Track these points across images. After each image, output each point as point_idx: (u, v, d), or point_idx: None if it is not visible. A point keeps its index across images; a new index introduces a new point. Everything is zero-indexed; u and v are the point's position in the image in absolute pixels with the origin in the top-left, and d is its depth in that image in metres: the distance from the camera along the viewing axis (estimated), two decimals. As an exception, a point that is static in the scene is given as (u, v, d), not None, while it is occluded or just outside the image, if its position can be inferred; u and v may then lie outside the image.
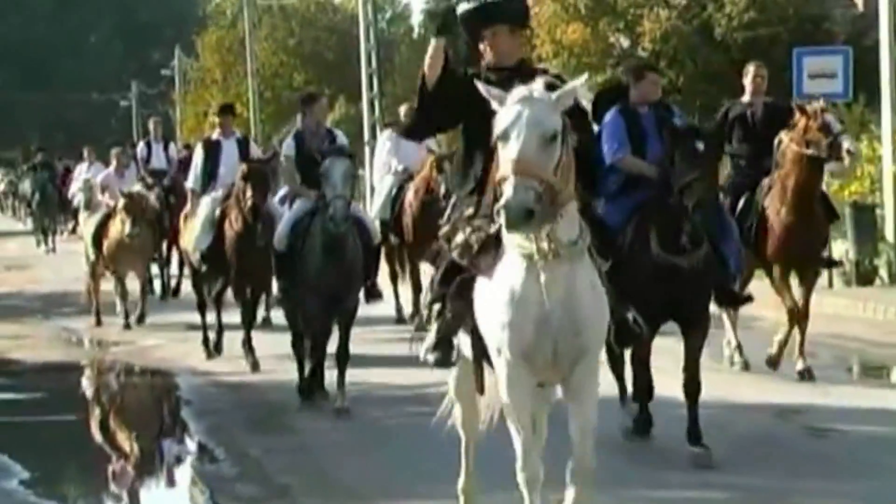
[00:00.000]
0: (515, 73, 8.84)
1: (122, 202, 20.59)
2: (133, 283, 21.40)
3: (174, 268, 24.51)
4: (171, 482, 12.49)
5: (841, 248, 24.55)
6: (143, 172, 22.39)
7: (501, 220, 7.79)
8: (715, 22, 37.25)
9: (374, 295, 15.38)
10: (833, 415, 13.44)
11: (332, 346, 14.34)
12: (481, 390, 9.00)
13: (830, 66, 24.99)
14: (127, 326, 20.74)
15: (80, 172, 27.41)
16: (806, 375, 14.89)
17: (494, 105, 8.12)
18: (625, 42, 37.69)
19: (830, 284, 24.11)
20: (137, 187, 22.02)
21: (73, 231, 25.44)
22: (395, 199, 20.08)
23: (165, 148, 24.69)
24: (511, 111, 7.98)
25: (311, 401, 14.32)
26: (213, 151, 17.93)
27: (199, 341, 18.49)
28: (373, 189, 24.19)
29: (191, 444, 13.50)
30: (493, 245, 8.39)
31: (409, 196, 19.80)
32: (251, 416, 14.46)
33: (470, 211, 8.79)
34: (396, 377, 14.14)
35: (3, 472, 12.35)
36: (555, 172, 7.96)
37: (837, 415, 13.45)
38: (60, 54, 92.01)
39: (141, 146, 24.88)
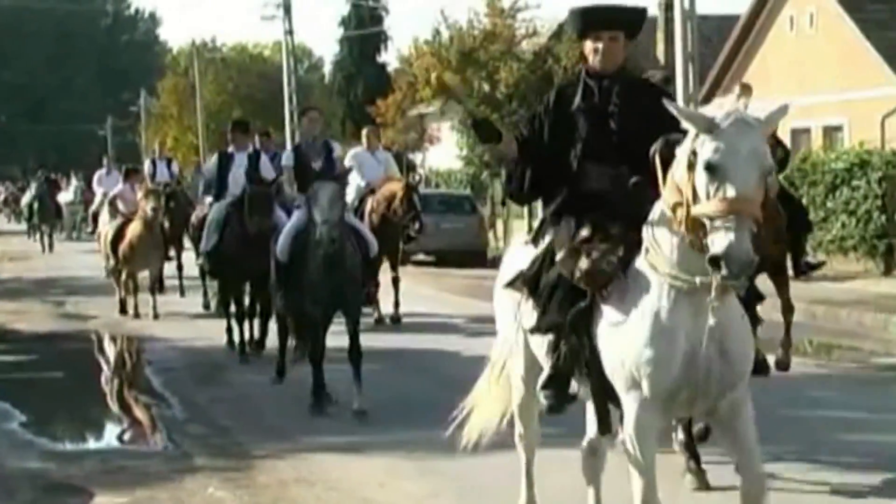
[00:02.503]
0: (616, 80, 6.84)
1: (143, 189, 19.50)
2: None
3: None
4: (136, 423, 12.33)
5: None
6: (149, 185, 20.62)
7: (722, 270, 5.54)
8: (554, 72, 37.34)
9: (369, 300, 13.73)
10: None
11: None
12: (608, 429, 6.67)
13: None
14: (136, 316, 19.14)
15: (101, 177, 26.55)
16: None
17: (687, 125, 5.87)
18: (486, 86, 37.67)
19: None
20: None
21: (93, 233, 24.54)
22: (356, 211, 17.47)
23: (168, 165, 23.52)
24: (723, 140, 5.67)
25: (321, 413, 11.44)
26: (225, 163, 15.84)
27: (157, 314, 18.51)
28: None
29: (151, 394, 13.34)
30: (622, 270, 6.21)
31: (369, 208, 17.99)
32: (199, 373, 14.34)
33: (585, 233, 6.45)
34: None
35: (6, 417, 12.22)
36: None
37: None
38: (53, 94, 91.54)
39: (147, 163, 23.62)
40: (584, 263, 6.30)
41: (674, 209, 5.87)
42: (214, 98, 62.31)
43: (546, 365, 6.67)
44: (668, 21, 35.30)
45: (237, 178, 15.35)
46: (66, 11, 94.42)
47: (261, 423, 11.24)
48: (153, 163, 23.05)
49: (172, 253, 21.33)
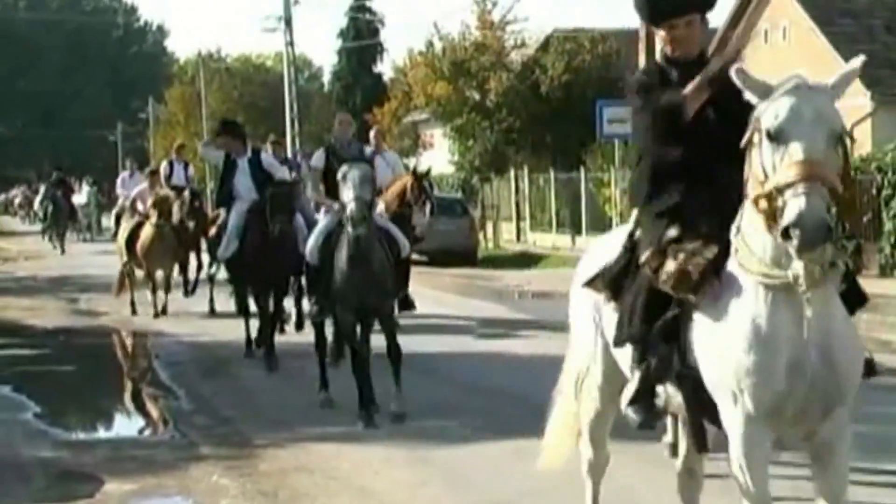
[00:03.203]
0: (698, 66, 5.86)
1: (151, 200, 18.97)
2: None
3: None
4: (145, 414, 12.33)
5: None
6: (165, 188, 20.26)
7: (794, 240, 4.77)
8: (541, 82, 37.37)
9: (406, 306, 12.84)
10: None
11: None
12: (705, 447, 5.77)
13: (623, 114, 25.24)
14: (156, 316, 18.64)
15: (124, 180, 26.27)
16: None
17: (751, 97, 5.15)
18: (477, 96, 37.69)
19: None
20: (166, 191, 20.00)
21: (115, 235, 24.04)
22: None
23: (185, 168, 22.78)
24: (784, 104, 4.98)
25: (372, 425, 10.31)
26: (229, 167, 14.76)
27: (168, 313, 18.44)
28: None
29: (159, 387, 13.33)
30: (713, 273, 5.37)
31: (381, 208, 17.36)
32: (204, 367, 14.32)
33: (673, 233, 5.62)
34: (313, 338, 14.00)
35: (21, 408, 12.19)
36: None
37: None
38: (66, 101, 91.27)
39: (164, 165, 22.76)
40: (670, 265, 5.51)
41: (755, 202, 5.10)
42: (219, 106, 62.16)
43: (632, 378, 5.84)
44: (649, 34, 35.24)
45: (243, 183, 14.53)
46: (79, 24, 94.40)
47: (262, 414, 11.23)
48: (170, 164, 22.42)
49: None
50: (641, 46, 41.51)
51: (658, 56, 6.20)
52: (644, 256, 5.67)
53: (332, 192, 11.04)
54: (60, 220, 38.36)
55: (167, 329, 17.41)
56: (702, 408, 5.49)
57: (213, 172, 36.32)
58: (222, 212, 15.19)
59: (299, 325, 14.70)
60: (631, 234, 5.99)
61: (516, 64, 38.17)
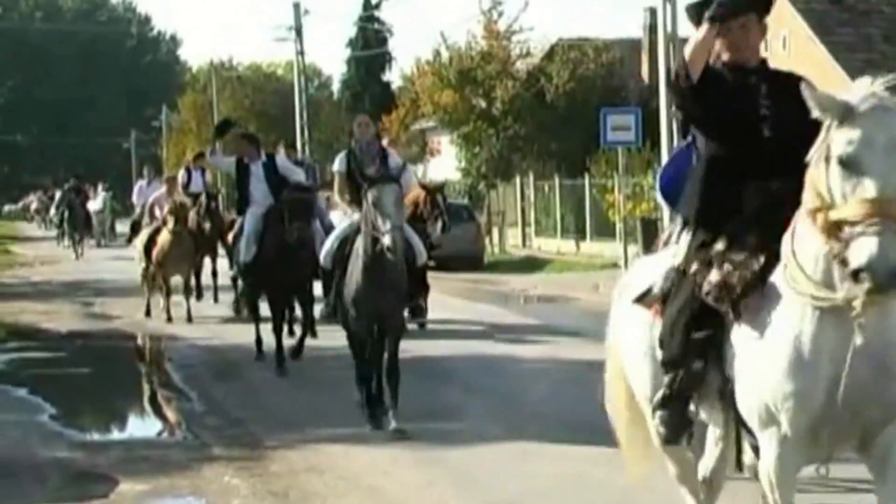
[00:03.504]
0: (761, 75, 5.41)
1: (167, 207, 18.65)
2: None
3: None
4: (158, 416, 12.33)
5: (633, 249, 24.80)
6: (182, 195, 19.88)
7: (864, 283, 4.44)
8: (546, 90, 37.38)
9: (417, 314, 12.54)
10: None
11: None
12: (741, 466, 5.60)
13: (627, 122, 25.23)
14: (168, 320, 18.37)
15: (141, 188, 26.05)
16: None
17: (819, 113, 4.66)
18: (483, 103, 37.68)
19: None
20: (182, 198, 19.74)
21: (130, 241, 23.63)
22: None
23: (203, 174, 22.20)
24: (858, 130, 4.51)
25: (379, 427, 10.08)
26: (243, 174, 14.42)
27: (178, 316, 18.37)
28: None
29: (172, 389, 13.33)
30: (757, 287, 5.01)
31: None
32: (216, 369, 14.32)
33: (721, 245, 5.22)
34: (322, 341, 14.00)
35: (37, 410, 12.18)
36: None
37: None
38: (81, 109, 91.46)
39: (182, 172, 22.29)
40: (713, 276, 5.14)
41: (813, 215, 4.73)
42: (231, 113, 61.93)
43: (662, 385, 5.50)
44: (652, 43, 35.27)
45: (258, 189, 14.17)
46: (94, 34, 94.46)
47: (273, 415, 11.21)
48: (188, 172, 22.07)
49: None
50: (644, 55, 41.60)
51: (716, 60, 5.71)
52: (691, 269, 5.34)
53: (352, 194, 10.81)
54: (77, 226, 38.28)
55: (179, 332, 17.40)
56: (743, 424, 5.20)
57: (223, 178, 36.36)
58: (239, 217, 14.93)
59: (312, 333, 14.20)
60: (683, 251, 5.58)
61: (522, 72, 38.17)
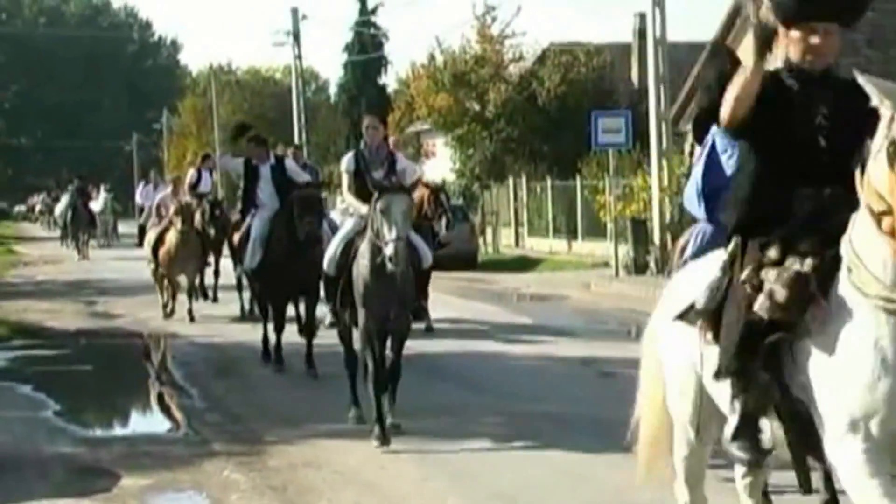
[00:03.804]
0: (825, 85, 5.07)
1: (173, 208, 18.54)
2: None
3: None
4: (159, 412, 12.32)
5: (623, 249, 24.82)
6: (188, 195, 19.45)
7: None
8: (538, 93, 37.40)
9: (418, 316, 11.75)
10: (618, 362, 13.50)
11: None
12: (809, 488, 5.11)
13: (617, 124, 25.20)
14: (167, 316, 18.44)
15: (148, 192, 25.71)
16: None
17: (879, 103, 4.42)
18: (476, 106, 37.71)
19: (617, 274, 24.29)
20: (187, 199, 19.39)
21: (140, 244, 23.09)
22: None
23: (211, 174, 21.65)
24: None
25: (385, 439, 9.43)
26: (251, 175, 14.18)
27: (180, 314, 18.33)
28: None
29: (173, 386, 13.32)
30: (820, 295, 4.66)
31: None
32: (216, 366, 14.30)
33: (774, 254, 4.87)
34: (320, 339, 13.96)
35: (41, 406, 12.17)
36: None
37: (621, 362, 13.51)
38: (84, 112, 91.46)
39: (192, 173, 21.70)
40: (770, 287, 4.77)
41: (879, 218, 4.44)
42: (230, 117, 61.98)
43: (732, 412, 5.04)
44: (642, 47, 35.27)
45: (266, 191, 13.88)
46: (96, 39, 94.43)
47: (272, 411, 11.20)
48: (198, 172, 21.51)
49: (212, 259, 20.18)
50: (634, 60, 41.60)
51: (780, 62, 5.24)
52: (742, 278, 4.94)
53: (360, 194, 10.17)
54: (80, 228, 38.16)
55: (181, 331, 17.37)
56: (806, 444, 4.82)
57: (222, 181, 36.14)
58: (247, 219, 14.41)
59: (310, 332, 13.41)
60: (730, 260, 5.16)
61: (514, 76, 38.21)
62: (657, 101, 24.95)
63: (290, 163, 14.66)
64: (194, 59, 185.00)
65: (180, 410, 11.83)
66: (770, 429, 4.99)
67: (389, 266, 9.22)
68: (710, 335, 5.14)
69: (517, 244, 36.73)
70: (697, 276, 5.40)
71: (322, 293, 10.84)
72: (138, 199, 26.48)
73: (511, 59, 38.72)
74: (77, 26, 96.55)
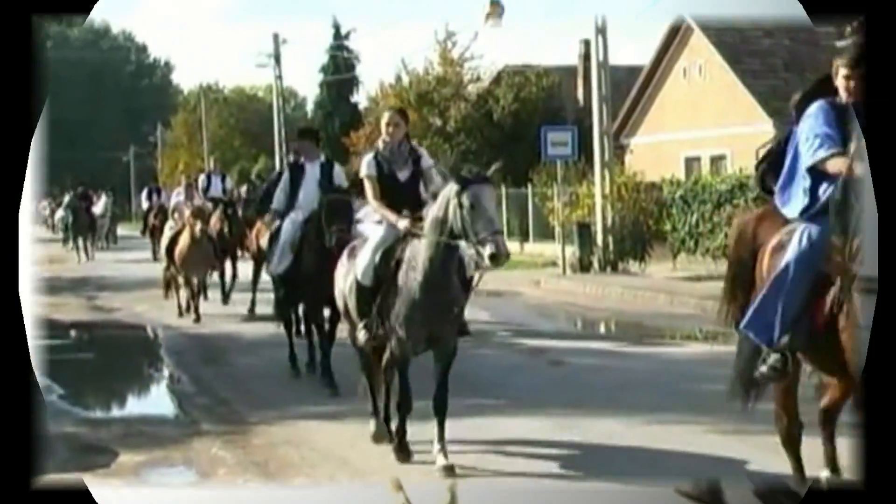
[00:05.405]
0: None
1: (188, 211, 17.47)
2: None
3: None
4: (154, 396, 12.27)
5: (570, 250, 24.87)
6: (202, 199, 18.57)
7: None
8: (494, 110, 37.48)
9: (462, 331, 8.65)
10: (566, 352, 13.55)
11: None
12: None
13: (564, 138, 25.24)
14: (187, 310, 17.29)
15: (152, 198, 25.26)
16: None
17: None
18: (439, 122, 37.71)
19: (564, 272, 24.33)
20: (202, 202, 18.60)
21: (143, 232, 22.16)
22: None
23: (222, 180, 21.10)
24: None
25: (407, 457, 8.29)
26: (297, 175, 11.98)
27: (171, 307, 18.14)
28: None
29: (165, 372, 13.27)
30: None
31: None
32: (205, 354, 14.23)
33: None
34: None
35: (47, 390, 11.98)
36: None
37: (568, 352, 13.56)
38: (86, 126, 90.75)
39: (202, 178, 20.83)
40: None
41: None
42: (218, 130, 62.20)
43: None
44: (586, 70, 35.51)
45: (308, 191, 11.73)
46: (98, 60, 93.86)
47: (256, 396, 11.16)
48: (208, 177, 20.88)
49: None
50: (580, 81, 41.75)
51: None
52: None
53: (386, 197, 8.47)
54: (81, 230, 37.78)
55: (174, 323, 17.26)
56: None
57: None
58: (277, 220, 12.17)
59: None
60: None
61: (473, 95, 38.31)
62: (600, 117, 25.11)
63: (338, 170, 12.06)
64: (186, 79, 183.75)
65: (172, 394, 11.79)
66: None
67: (489, 265, 7.45)
68: None
69: (475, 245, 36.71)
70: None
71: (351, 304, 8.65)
72: (143, 201, 26.30)
73: (470, 79, 38.81)
74: (81, 49, 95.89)
